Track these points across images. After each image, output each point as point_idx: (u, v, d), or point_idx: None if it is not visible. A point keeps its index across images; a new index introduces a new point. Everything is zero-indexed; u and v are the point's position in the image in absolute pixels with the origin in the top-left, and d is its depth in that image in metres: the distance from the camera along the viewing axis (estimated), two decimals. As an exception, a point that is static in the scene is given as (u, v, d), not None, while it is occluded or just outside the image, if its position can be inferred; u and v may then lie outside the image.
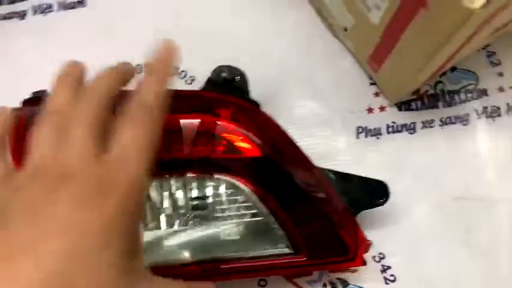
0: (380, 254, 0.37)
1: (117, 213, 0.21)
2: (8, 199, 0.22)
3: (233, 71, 0.35)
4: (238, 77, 0.35)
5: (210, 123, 0.29)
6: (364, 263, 0.33)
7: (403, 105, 0.40)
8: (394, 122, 0.40)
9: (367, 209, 0.34)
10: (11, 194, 0.22)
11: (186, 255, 0.32)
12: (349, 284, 0.37)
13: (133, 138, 0.23)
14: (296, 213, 0.31)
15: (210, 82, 0.34)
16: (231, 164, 0.31)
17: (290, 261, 0.32)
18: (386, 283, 0.37)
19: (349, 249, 0.32)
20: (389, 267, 0.37)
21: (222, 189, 0.32)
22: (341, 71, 0.41)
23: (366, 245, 0.32)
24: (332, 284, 0.37)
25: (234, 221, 0.32)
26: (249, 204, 0.32)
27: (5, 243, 0.20)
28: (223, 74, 0.35)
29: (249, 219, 0.32)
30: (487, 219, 0.37)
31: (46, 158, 0.22)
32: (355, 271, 0.37)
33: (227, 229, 0.33)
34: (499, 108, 0.40)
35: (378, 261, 0.37)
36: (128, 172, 0.22)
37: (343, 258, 0.32)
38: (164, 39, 0.26)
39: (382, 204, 0.34)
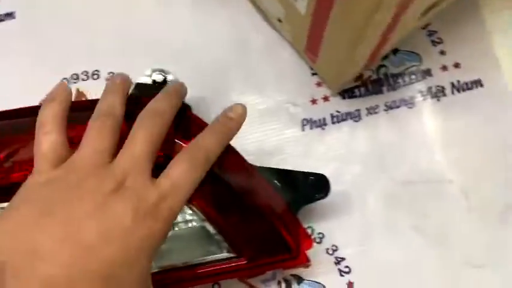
0: (333, 246, 0.37)
1: (158, 236, 0.24)
2: (68, 182, 0.24)
3: (163, 73, 0.34)
4: (170, 79, 0.34)
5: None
6: (307, 260, 0.32)
7: (347, 93, 0.40)
8: (338, 111, 0.39)
9: (308, 203, 0.33)
10: (67, 176, 0.24)
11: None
12: (303, 280, 0.36)
13: (187, 178, 0.25)
14: (233, 218, 0.30)
15: (138, 87, 0.33)
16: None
17: (232, 266, 0.31)
18: (342, 275, 0.36)
19: (292, 248, 0.31)
20: (343, 259, 0.37)
21: None
22: (282, 63, 0.40)
23: (309, 241, 0.32)
24: (286, 281, 0.36)
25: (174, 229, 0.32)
26: (186, 211, 0.31)
27: (67, 230, 0.22)
28: (153, 78, 0.34)
29: (187, 227, 0.31)
30: (437, 201, 0.37)
31: (101, 157, 0.24)
32: (308, 266, 0.36)
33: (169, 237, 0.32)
34: (443, 88, 0.40)
35: (331, 254, 0.37)
36: (173, 207, 0.25)
37: (286, 257, 0.31)
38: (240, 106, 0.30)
39: (323, 197, 0.33)
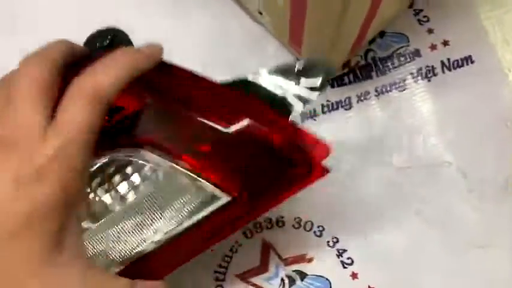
0: (334, 238, 0.36)
1: (48, 203, 0.20)
2: None
3: (104, 33, 0.28)
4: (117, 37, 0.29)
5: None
6: (327, 171, 0.26)
7: (336, 81, 0.39)
8: (328, 101, 0.38)
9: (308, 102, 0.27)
10: None
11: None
12: (307, 275, 0.36)
13: (81, 125, 0.21)
14: (212, 150, 0.25)
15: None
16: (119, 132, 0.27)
17: (237, 210, 0.26)
18: (345, 267, 0.36)
19: (304, 161, 0.25)
20: (345, 251, 0.36)
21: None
22: (267, 56, 0.39)
23: (323, 146, 0.25)
24: (289, 277, 0.36)
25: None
26: (162, 164, 0.26)
27: None
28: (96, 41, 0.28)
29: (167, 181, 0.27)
30: (436, 185, 0.36)
31: None
32: (310, 261, 0.36)
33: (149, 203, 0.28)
34: (434, 67, 0.39)
35: (333, 246, 0.36)
36: (69, 163, 0.21)
37: (300, 173, 0.25)
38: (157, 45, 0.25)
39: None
